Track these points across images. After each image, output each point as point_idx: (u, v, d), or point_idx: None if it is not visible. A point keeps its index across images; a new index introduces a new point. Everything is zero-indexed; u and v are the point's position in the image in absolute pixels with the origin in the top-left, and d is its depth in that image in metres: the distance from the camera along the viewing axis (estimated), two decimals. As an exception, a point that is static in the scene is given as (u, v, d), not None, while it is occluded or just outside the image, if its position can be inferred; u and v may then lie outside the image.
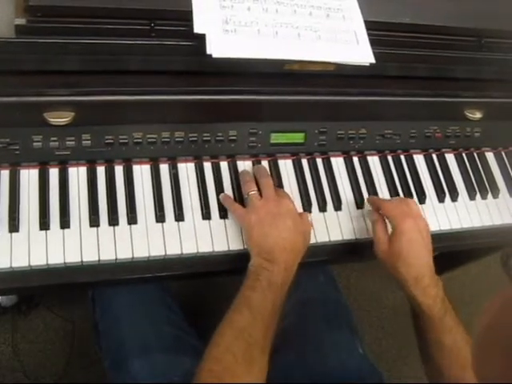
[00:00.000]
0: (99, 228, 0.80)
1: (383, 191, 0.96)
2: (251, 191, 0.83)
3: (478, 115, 1.00)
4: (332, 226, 0.90)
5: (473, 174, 1.03)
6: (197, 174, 0.88)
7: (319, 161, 0.95)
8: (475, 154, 1.06)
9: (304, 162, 0.94)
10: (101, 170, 0.84)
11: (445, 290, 0.82)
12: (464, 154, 1.05)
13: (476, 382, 0.44)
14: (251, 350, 0.71)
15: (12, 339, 1.45)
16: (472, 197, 1.01)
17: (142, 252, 0.80)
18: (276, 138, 0.91)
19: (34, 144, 0.79)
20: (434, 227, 0.95)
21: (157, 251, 0.80)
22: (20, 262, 0.75)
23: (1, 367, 1.43)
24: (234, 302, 0.75)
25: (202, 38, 0.78)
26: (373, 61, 0.85)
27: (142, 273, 0.81)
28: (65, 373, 1.45)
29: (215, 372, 0.69)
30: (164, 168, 0.87)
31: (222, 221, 0.85)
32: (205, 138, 0.86)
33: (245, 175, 0.87)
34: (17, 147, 0.79)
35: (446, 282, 1.95)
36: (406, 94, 0.94)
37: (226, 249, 0.84)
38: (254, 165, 0.91)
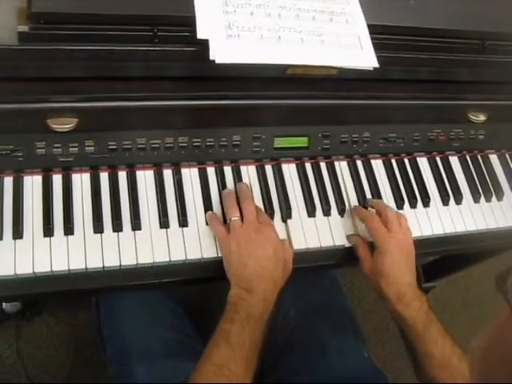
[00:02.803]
0: (103, 234, 0.80)
1: (387, 195, 0.96)
2: (233, 217, 0.82)
3: (481, 117, 1.00)
4: (336, 231, 0.90)
5: (477, 176, 1.03)
6: (200, 179, 0.88)
7: (323, 165, 0.95)
8: (479, 157, 1.05)
9: (308, 166, 0.94)
10: (104, 176, 0.84)
11: (429, 303, 0.83)
12: (468, 157, 1.04)
13: None
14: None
15: (16, 344, 1.45)
16: (476, 199, 1.01)
17: (146, 258, 0.79)
18: (279, 142, 0.90)
19: (38, 150, 0.79)
20: (439, 230, 0.95)
21: (161, 257, 0.80)
22: (24, 269, 0.75)
23: (5, 372, 1.43)
24: (213, 335, 0.74)
25: (205, 44, 0.77)
26: (376, 65, 0.84)
27: (146, 279, 0.81)
28: (68, 378, 1.45)
29: None
30: (167, 173, 0.86)
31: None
32: (208, 143, 0.86)
33: (227, 199, 0.85)
34: (20, 154, 0.79)
35: (449, 284, 1.95)
36: (409, 98, 0.94)
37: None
38: (257, 170, 0.91)
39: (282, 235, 0.85)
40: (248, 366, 0.72)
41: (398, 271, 0.82)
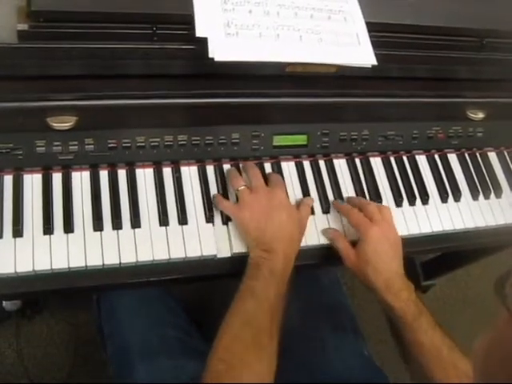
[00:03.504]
0: (103, 232, 0.80)
1: (386, 192, 0.96)
2: (240, 186, 0.84)
3: (480, 115, 1.00)
4: (335, 228, 0.90)
5: (475, 174, 1.03)
6: (200, 177, 0.88)
7: (322, 163, 0.95)
8: (478, 154, 1.05)
9: (306, 164, 0.94)
10: (104, 174, 0.84)
11: (417, 293, 0.82)
12: (466, 154, 1.04)
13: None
14: (259, 337, 0.72)
15: (16, 344, 1.45)
16: (475, 197, 1.01)
17: (145, 256, 0.80)
18: (278, 140, 0.90)
19: (37, 149, 0.79)
20: (437, 228, 0.95)
21: (161, 255, 0.80)
22: (24, 267, 0.75)
23: (5, 372, 1.43)
24: (238, 293, 0.76)
25: (203, 42, 0.78)
26: (375, 62, 0.84)
27: (146, 277, 0.81)
28: (69, 377, 1.45)
29: (226, 360, 0.70)
30: (167, 172, 0.87)
31: (226, 224, 0.85)
32: (207, 141, 0.86)
33: (230, 172, 0.87)
34: (20, 152, 0.79)
35: (449, 282, 1.95)
36: (408, 95, 0.95)
37: (229, 252, 0.84)
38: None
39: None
40: (274, 318, 0.74)
41: (384, 260, 0.81)
